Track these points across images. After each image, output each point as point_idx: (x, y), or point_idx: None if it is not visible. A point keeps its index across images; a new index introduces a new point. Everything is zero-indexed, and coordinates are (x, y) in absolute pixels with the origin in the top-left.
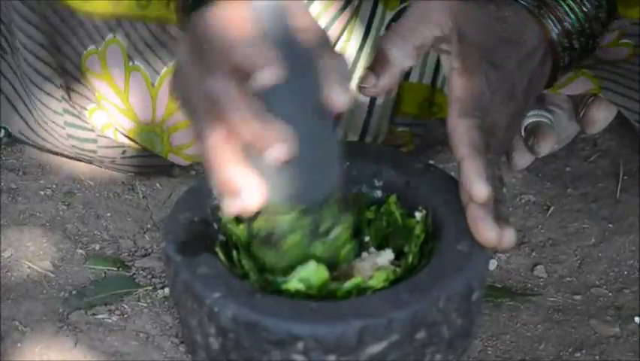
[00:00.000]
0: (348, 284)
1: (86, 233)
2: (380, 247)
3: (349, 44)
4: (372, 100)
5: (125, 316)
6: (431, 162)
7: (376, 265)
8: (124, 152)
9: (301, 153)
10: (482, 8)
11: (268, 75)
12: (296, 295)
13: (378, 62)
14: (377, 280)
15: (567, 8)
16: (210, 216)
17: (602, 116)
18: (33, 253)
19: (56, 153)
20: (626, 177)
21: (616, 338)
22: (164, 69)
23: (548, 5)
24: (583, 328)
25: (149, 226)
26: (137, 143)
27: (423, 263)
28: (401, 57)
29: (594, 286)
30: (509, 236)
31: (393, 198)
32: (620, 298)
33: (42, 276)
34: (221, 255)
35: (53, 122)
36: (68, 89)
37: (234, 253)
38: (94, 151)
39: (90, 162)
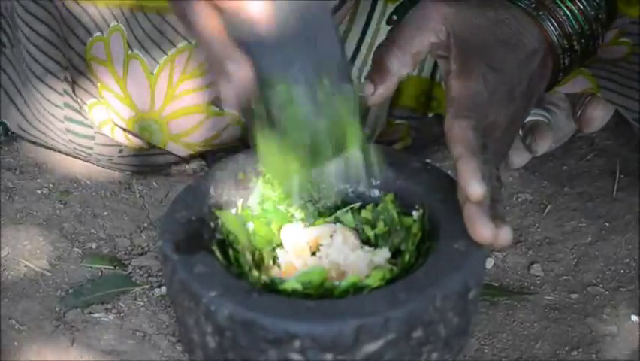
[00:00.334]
0: (345, 283)
1: (82, 232)
2: (377, 245)
3: (350, 35)
4: None
5: (122, 314)
6: (428, 160)
7: (373, 263)
8: (121, 151)
9: (286, 20)
10: (479, 12)
11: None
12: (293, 294)
13: (376, 71)
14: (374, 279)
15: (566, 10)
16: (207, 215)
17: (599, 115)
18: (30, 251)
19: (53, 149)
20: (622, 176)
21: (612, 336)
22: (164, 58)
23: (547, 7)
24: (579, 326)
25: (145, 224)
26: (135, 135)
27: (420, 262)
28: (399, 66)
29: (591, 284)
30: (505, 235)
31: (390, 197)
32: (617, 297)
33: (39, 275)
34: (217, 253)
35: (53, 115)
36: (71, 82)
37: (231, 251)
38: (90, 148)
39: (87, 160)
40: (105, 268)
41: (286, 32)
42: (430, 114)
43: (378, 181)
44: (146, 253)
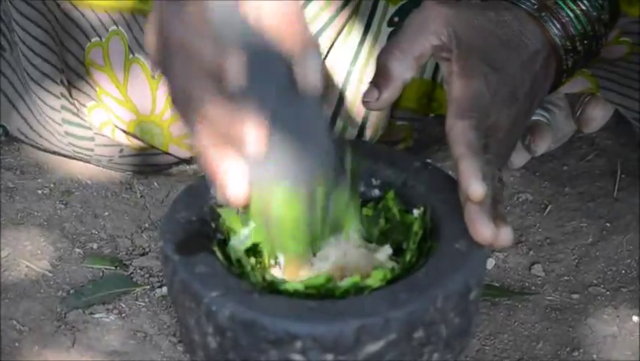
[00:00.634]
0: (346, 283)
1: (83, 232)
2: (379, 242)
3: (350, 37)
4: None
5: (123, 315)
6: (429, 160)
7: (375, 261)
8: (121, 150)
9: (283, 134)
10: (480, 14)
11: (234, 81)
12: (294, 294)
13: (379, 76)
14: (375, 280)
15: (569, 11)
16: (208, 215)
17: (599, 114)
18: (31, 252)
19: (54, 153)
20: (623, 176)
21: (614, 336)
22: None
23: (550, 8)
24: (580, 327)
25: (146, 225)
26: (135, 137)
27: (421, 262)
28: (402, 70)
29: (592, 285)
30: (506, 235)
31: (391, 194)
32: (618, 297)
33: (40, 275)
34: (219, 254)
35: (51, 119)
36: (69, 85)
37: (232, 252)
38: (91, 149)
39: (87, 162)
40: (106, 269)
41: (283, 143)
42: (431, 115)
43: (379, 181)
44: (147, 253)
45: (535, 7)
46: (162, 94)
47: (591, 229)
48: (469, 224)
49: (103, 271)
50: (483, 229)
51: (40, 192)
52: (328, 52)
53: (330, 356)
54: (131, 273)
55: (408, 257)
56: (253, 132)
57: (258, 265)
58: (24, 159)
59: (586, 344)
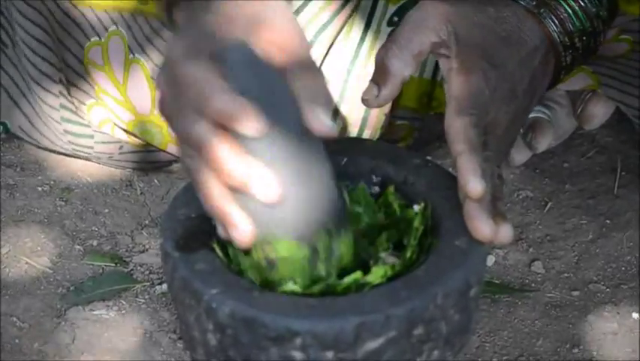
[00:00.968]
0: (346, 280)
1: (83, 229)
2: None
3: (350, 36)
4: None
5: (123, 312)
6: (429, 157)
7: (375, 256)
8: (121, 147)
9: (292, 187)
10: (479, 10)
11: (247, 130)
12: (294, 292)
13: (379, 74)
14: (375, 276)
15: (567, 7)
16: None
17: (600, 112)
18: (31, 249)
19: (53, 151)
20: (623, 173)
21: (614, 333)
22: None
23: (548, 5)
24: (580, 324)
25: (146, 222)
26: (135, 136)
27: (421, 259)
28: (401, 67)
29: (592, 282)
30: (506, 232)
31: (391, 190)
32: (618, 294)
33: (40, 272)
34: (218, 251)
35: (50, 117)
36: (68, 83)
37: (231, 249)
38: (90, 147)
39: (87, 159)
40: (106, 266)
41: (291, 196)
42: (432, 113)
43: (379, 178)
44: (147, 250)
45: (534, 3)
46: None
47: (591, 226)
48: (469, 221)
49: (103, 268)
50: (482, 226)
51: (40, 189)
52: (328, 51)
53: (330, 353)
54: (131, 270)
55: (408, 254)
56: (265, 179)
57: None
58: (24, 156)
59: (586, 341)
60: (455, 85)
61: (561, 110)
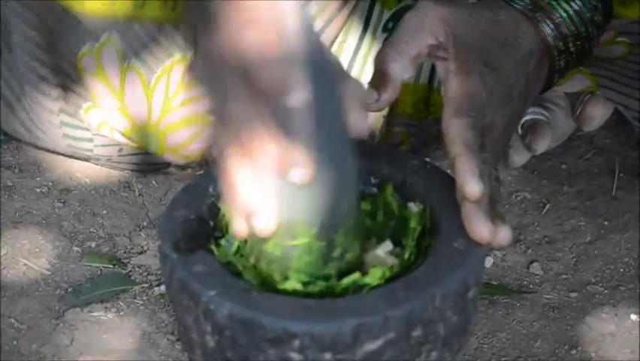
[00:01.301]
0: (345, 281)
1: (82, 231)
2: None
3: (346, 43)
4: None
5: (121, 313)
6: (427, 159)
7: (375, 257)
8: (120, 150)
9: (321, 176)
10: (476, 13)
11: (296, 100)
12: (293, 293)
13: (377, 78)
14: (373, 278)
15: (562, 12)
16: (206, 214)
17: (598, 113)
18: (29, 250)
19: (53, 152)
20: (622, 175)
21: (612, 335)
22: (161, 68)
23: (544, 9)
24: (579, 325)
25: (145, 223)
26: (133, 141)
27: (419, 260)
28: (399, 70)
29: (590, 283)
30: (504, 234)
31: (389, 189)
32: (616, 296)
33: (38, 274)
34: (216, 252)
35: (49, 121)
36: (64, 88)
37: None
38: (90, 150)
39: (86, 160)
40: (104, 267)
41: (318, 186)
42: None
43: (378, 180)
44: (145, 251)
45: (530, 7)
46: (158, 102)
47: (589, 227)
48: (467, 223)
49: (101, 270)
50: (480, 228)
51: (38, 190)
52: None
53: (328, 355)
54: (130, 271)
55: (407, 255)
56: (302, 159)
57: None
58: (22, 158)
59: (584, 342)
60: (453, 87)
61: (560, 111)
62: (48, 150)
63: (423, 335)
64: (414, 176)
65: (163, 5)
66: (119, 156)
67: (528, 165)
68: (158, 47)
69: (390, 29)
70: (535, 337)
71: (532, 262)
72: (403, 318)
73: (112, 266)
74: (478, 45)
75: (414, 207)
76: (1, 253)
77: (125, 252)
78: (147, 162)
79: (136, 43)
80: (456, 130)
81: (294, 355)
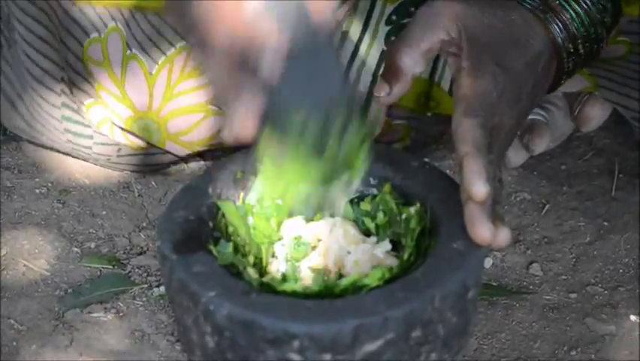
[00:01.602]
0: (345, 281)
1: (81, 231)
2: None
3: (348, 37)
4: (369, 93)
5: (121, 314)
6: (426, 159)
7: (374, 256)
8: (119, 150)
9: (299, 62)
10: (489, 11)
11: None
12: (292, 293)
13: (389, 71)
14: (373, 278)
15: (573, 13)
16: (206, 215)
17: (597, 114)
18: (28, 251)
19: (52, 149)
20: (621, 175)
21: (612, 336)
22: (162, 58)
23: (554, 10)
24: (578, 326)
25: (144, 224)
26: (133, 134)
27: (419, 261)
28: (411, 64)
29: (590, 284)
30: (504, 236)
31: (388, 188)
32: (616, 296)
33: (38, 274)
34: (215, 253)
35: (50, 115)
36: (69, 82)
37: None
38: (89, 147)
39: (85, 160)
40: (104, 268)
41: (299, 69)
42: (429, 114)
43: (377, 180)
44: (144, 252)
45: (540, 7)
46: (159, 90)
47: (589, 228)
48: (469, 224)
49: (100, 271)
50: (482, 230)
51: (38, 191)
52: None
53: (327, 356)
54: (129, 272)
55: (406, 256)
56: (270, 54)
57: (256, 261)
58: (22, 158)
59: (584, 343)
60: (465, 85)
61: (558, 112)
62: (47, 147)
63: (422, 336)
64: (413, 176)
65: None
66: (118, 156)
67: (527, 165)
68: (160, 37)
69: (393, 22)
70: (535, 338)
71: (531, 263)
72: (402, 319)
73: (111, 267)
74: (491, 44)
75: (412, 208)
76: (1, 254)
77: (124, 253)
78: (146, 162)
79: (138, 33)
80: (466, 129)
81: (294, 356)
